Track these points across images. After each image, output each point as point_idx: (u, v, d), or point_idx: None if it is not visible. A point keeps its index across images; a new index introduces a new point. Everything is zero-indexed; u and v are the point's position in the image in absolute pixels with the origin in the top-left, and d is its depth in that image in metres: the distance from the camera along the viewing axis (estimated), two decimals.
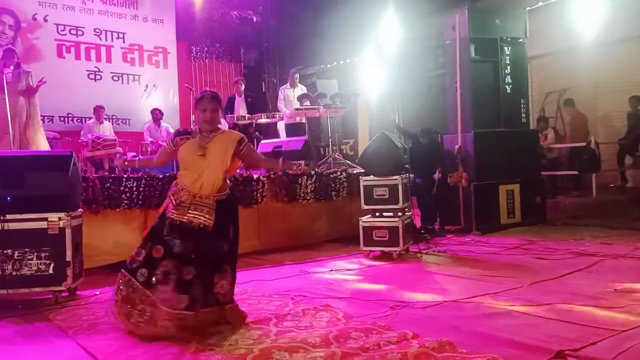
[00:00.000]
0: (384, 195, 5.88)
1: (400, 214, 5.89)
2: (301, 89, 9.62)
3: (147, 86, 11.68)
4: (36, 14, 10.50)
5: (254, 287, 4.51)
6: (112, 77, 11.33)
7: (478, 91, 7.81)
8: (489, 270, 4.94)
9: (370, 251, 5.92)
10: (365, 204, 6.00)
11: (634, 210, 7.97)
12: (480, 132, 7.67)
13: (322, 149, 9.51)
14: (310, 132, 8.82)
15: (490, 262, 5.43)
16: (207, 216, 3.41)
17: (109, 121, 10.24)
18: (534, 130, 8.75)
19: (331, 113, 8.99)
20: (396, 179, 5.83)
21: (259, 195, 6.41)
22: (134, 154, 8.76)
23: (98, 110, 9.53)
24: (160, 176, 5.81)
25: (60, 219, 4.23)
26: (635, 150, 9.16)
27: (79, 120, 10.49)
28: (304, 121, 9.17)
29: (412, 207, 6.48)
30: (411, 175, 6.42)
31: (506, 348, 2.85)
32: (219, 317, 3.43)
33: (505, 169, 7.66)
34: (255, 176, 6.49)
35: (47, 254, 4.19)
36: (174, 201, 3.44)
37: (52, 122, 10.25)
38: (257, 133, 9.01)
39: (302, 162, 4.08)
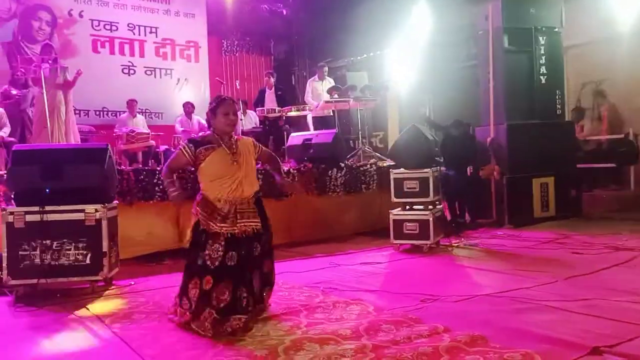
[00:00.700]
0: (414, 188, 5.84)
1: (431, 207, 5.84)
2: (329, 82, 9.61)
3: (179, 80, 11.83)
4: (72, 9, 10.72)
5: (285, 279, 4.54)
6: (145, 71, 11.51)
7: (511, 82, 7.67)
8: (522, 265, 4.86)
9: (401, 244, 5.89)
10: (396, 196, 5.97)
11: None
12: (513, 124, 7.54)
13: (351, 141, 9.49)
14: (340, 125, 8.81)
15: (523, 256, 5.34)
16: (255, 220, 3.41)
17: (142, 115, 10.42)
18: (569, 122, 8.55)
19: (361, 105, 8.95)
20: (427, 172, 5.78)
21: None
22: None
23: (131, 104, 9.70)
24: (192, 169, 5.88)
25: (96, 210, 4.34)
26: None
27: (113, 114, 10.69)
28: (331, 114, 9.16)
29: (442, 200, 6.42)
30: (442, 168, 6.36)
31: (540, 344, 2.80)
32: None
33: (539, 162, 7.52)
34: (285, 168, 6.52)
35: (84, 244, 4.30)
36: (217, 216, 3.31)
37: (88, 116, 10.48)
38: (286, 126, 9.05)
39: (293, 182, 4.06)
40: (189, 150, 3.42)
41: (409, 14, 10.39)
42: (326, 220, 6.83)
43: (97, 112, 10.81)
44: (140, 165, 8.00)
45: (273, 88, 9.59)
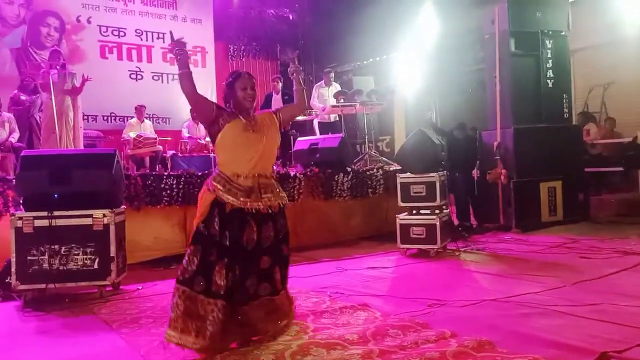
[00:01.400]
0: (421, 192, 5.83)
1: (437, 211, 5.83)
2: (336, 88, 9.63)
3: None
4: (80, 15, 10.79)
5: (291, 283, 4.44)
6: (153, 76, 11.57)
7: (518, 86, 7.66)
8: (530, 269, 4.84)
9: (407, 249, 5.88)
10: (402, 201, 5.97)
11: None
12: (520, 128, 7.52)
13: (358, 146, 9.50)
14: (346, 130, 8.82)
15: (531, 261, 5.31)
16: (281, 194, 3.20)
17: (150, 120, 10.47)
18: (576, 126, 8.51)
19: (367, 110, 8.97)
20: (433, 176, 5.78)
21: (295, 192, 6.46)
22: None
23: (139, 109, 9.75)
24: (199, 173, 5.93)
25: (104, 215, 4.36)
26: None
27: (121, 120, 10.75)
28: (337, 119, 9.18)
29: (449, 205, 6.40)
30: (448, 173, 6.35)
31: (547, 349, 2.79)
32: (271, 307, 3.17)
33: (546, 166, 7.50)
34: (292, 173, 6.54)
35: (92, 249, 4.32)
36: (237, 191, 3.02)
37: (96, 122, 10.55)
38: (293, 130, 9.06)
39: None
40: (216, 105, 3.17)
41: (416, 18, 10.39)
42: (333, 224, 6.84)
43: (105, 118, 10.87)
44: (148, 170, 8.04)
45: (280, 93, 9.62)
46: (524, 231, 7.04)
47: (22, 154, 4.64)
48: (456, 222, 7.15)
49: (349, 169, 7.07)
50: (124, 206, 4.89)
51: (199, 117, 3.46)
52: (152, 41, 11.59)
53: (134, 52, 11.39)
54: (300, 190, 6.52)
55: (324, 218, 6.74)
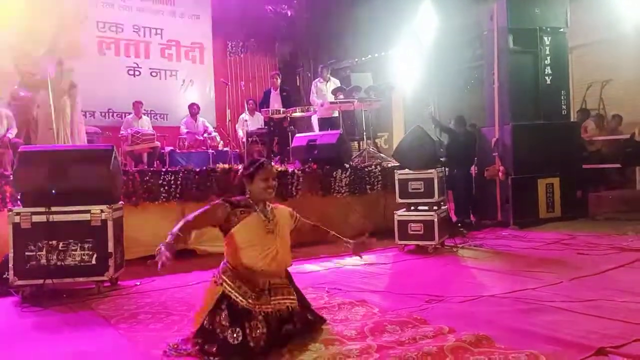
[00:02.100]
0: (419, 189, 5.84)
1: (435, 207, 5.83)
2: (334, 83, 9.62)
3: (184, 81, 11.86)
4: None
5: None
6: (151, 72, 11.55)
7: (516, 83, 7.67)
8: (528, 265, 4.85)
9: (405, 245, 5.89)
10: (400, 197, 5.97)
11: None
12: (518, 124, 7.53)
13: (356, 142, 9.49)
14: (344, 126, 8.81)
15: (528, 257, 5.33)
16: (291, 297, 3.06)
17: (148, 116, 10.44)
18: (574, 123, 8.52)
19: (366, 106, 8.95)
20: (432, 173, 5.78)
21: (294, 188, 6.46)
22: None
23: (137, 105, 9.73)
24: (197, 170, 5.92)
25: (102, 211, 4.36)
26: None
27: (119, 116, 10.72)
28: (336, 115, 9.17)
29: (447, 201, 6.41)
30: (446, 169, 6.35)
31: (545, 344, 2.80)
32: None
33: (544, 163, 7.51)
34: (290, 169, 6.53)
35: (90, 245, 4.32)
36: (247, 290, 2.92)
37: (94, 117, 10.52)
38: (291, 127, 9.05)
39: (362, 240, 3.57)
40: (228, 207, 3.01)
41: (414, 15, 10.39)
42: (331, 221, 6.80)
43: (103, 114, 10.84)
44: (146, 166, 8.03)
45: (278, 89, 9.61)
46: (521, 227, 7.06)
47: (19, 150, 4.63)
48: (454, 218, 7.15)
49: (347, 166, 7.07)
50: (122, 202, 4.88)
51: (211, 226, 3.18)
52: (150, 37, 11.56)
53: (131, 48, 11.36)
54: (299, 187, 6.52)
55: (322, 214, 6.72)
